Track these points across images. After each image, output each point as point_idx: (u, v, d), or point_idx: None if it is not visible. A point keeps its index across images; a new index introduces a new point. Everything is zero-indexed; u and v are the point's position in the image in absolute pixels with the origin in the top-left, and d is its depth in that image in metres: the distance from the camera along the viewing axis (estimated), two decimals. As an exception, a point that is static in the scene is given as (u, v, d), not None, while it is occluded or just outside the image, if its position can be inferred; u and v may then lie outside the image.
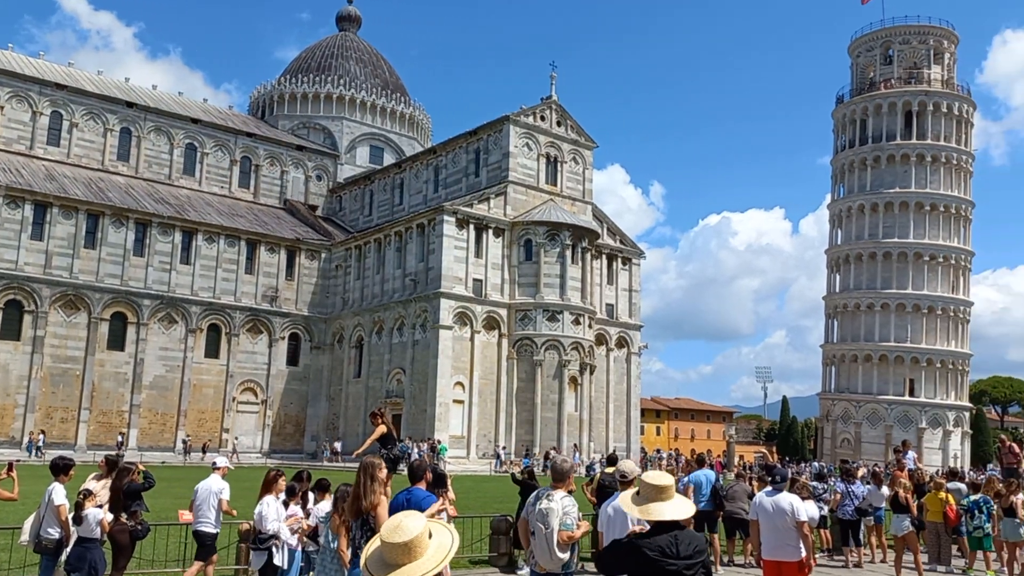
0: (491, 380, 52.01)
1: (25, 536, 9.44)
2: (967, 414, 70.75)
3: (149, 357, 54.48)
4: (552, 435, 51.05)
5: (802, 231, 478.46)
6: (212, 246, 57.66)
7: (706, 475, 14.83)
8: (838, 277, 73.02)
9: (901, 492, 14.63)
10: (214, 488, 10.58)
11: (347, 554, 6.69)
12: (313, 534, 9.86)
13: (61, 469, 9.37)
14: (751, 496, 12.77)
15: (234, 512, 10.84)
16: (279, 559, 9.59)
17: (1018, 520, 13.80)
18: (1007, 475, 20.56)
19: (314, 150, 70.80)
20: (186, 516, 11.88)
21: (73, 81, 62.27)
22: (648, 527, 4.62)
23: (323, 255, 62.08)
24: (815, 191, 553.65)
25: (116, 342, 53.84)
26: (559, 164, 57.09)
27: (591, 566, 12.63)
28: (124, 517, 9.72)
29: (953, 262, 69.23)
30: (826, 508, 16.08)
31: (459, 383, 51.04)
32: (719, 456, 62.67)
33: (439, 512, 7.19)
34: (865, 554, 15.89)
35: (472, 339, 51.65)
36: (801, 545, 8.72)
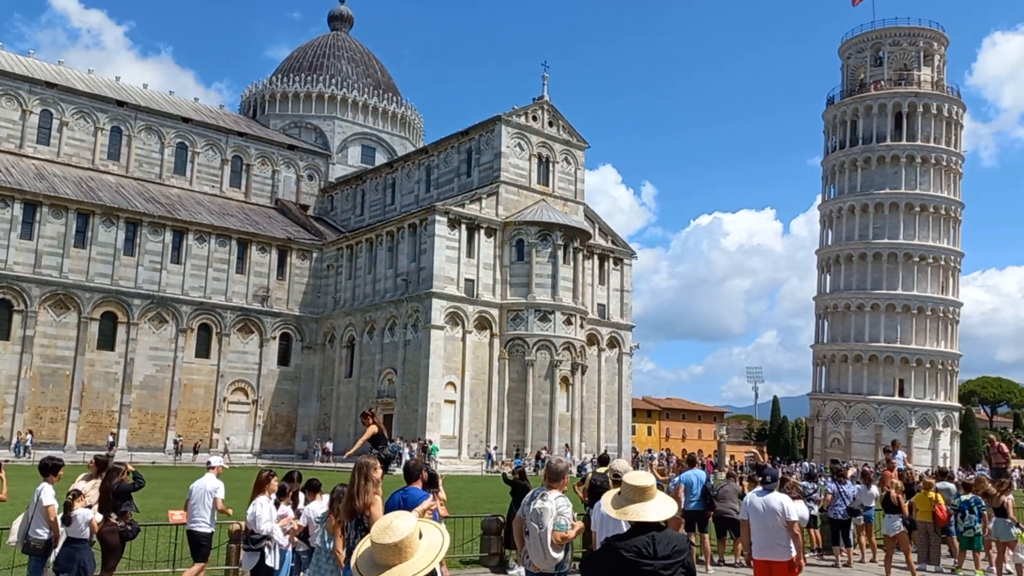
0: (483, 380, 52.01)
1: (13, 537, 9.39)
2: (956, 414, 71.13)
3: (139, 357, 54.29)
4: (544, 435, 51.07)
5: (793, 232, 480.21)
6: (203, 246, 57.50)
7: (697, 475, 14.85)
8: (828, 278, 73.32)
9: (893, 493, 14.68)
10: (208, 487, 10.57)
11: (343, 554, 6.69)
12: (303, 534, 9.85)
13: (50, 469, 9.32)
14: (742, 496, 12.80)
15: (230, 511, 10.82)
16: (271, 560, 9.57)
17: (1009, 520, 13.87)
18: (996, 475, 20.70)
19: (305, 150, 70.66)
20: (176, 516, 11.84)
21: (63, 80, 62.00)
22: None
23: (314, 255, 61.97)
24: (806, 192, 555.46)
25: (106, 342, 53.63)
26: (551, 164, 57.13)
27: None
28: (114, 517, 9.68)
29: (943, 263, 69.59)
30: (816, 508, 16.13)
31: (451, 383, 51.02)
32: (710, 456, 62.84)
33: (429, 510, 7.18)
34: (855, 554, 15.94)
35: (464, 339, 51.63)
36: (791, 545, 8.74)
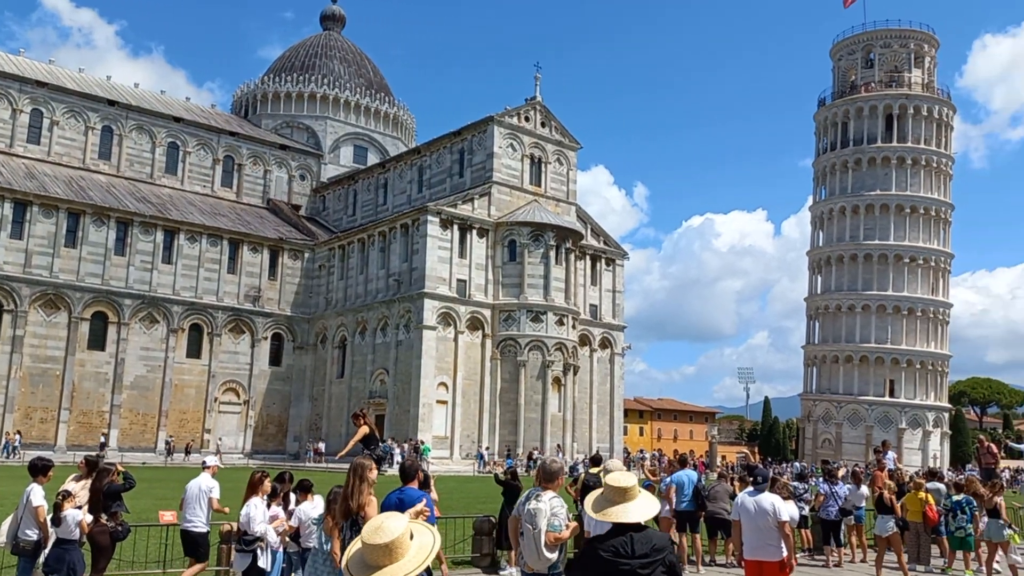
0: (475, 381, 52.00)
1: (2, 538, 9.34)
2: (946, 415, 71.42)
3: (130, 357, 54.08)
4: (535, 436, 51.08)
5: (784, 233, 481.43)
6: (194, 245, 57.32)
7: (688, 475, 14.86)
8: (819, 279, 73.54)
9: (886, 493, 14.72)
10: (204, 487, 10.57)
11: (339, 556, 6.67)
12: (295, 535, 9.83)
13: (39, 470, 9.28)
14: (733, 496, 12.82)
15: (226, 510, 10.80)
16: (263, 561, 9.54)
17: (1002, 521, 13.92)
18: (986, 475, 20.79)
19: (297, 149, 70.52)
20: (167, 517, 11.80)
21: (54, 79, 61.73)
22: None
23: (306, 255, 61.84)
24: (797, 193, 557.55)
25: (97, 342, 53.40)
26: (543, 165, 57.15)
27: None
28: (104, 518, 9.64)
29: (933, 264, 69.87)
30: (806, 508, 16.16)
31: (443, 383, 50.98)
32: (702, 456, 62.93)
33: (423, 513, 7.18)
34: (846, 554, 15.98)
35: (456, 339, 51.61)
36: (782, 545, 8.75)
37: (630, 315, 75.69)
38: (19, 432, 48.65)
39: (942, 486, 16.96)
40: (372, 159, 71.89)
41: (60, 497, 9.00)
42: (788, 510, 9.13)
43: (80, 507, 9.29)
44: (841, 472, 19.47)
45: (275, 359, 59.78)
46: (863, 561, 15.94)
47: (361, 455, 8.61)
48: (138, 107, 64.00)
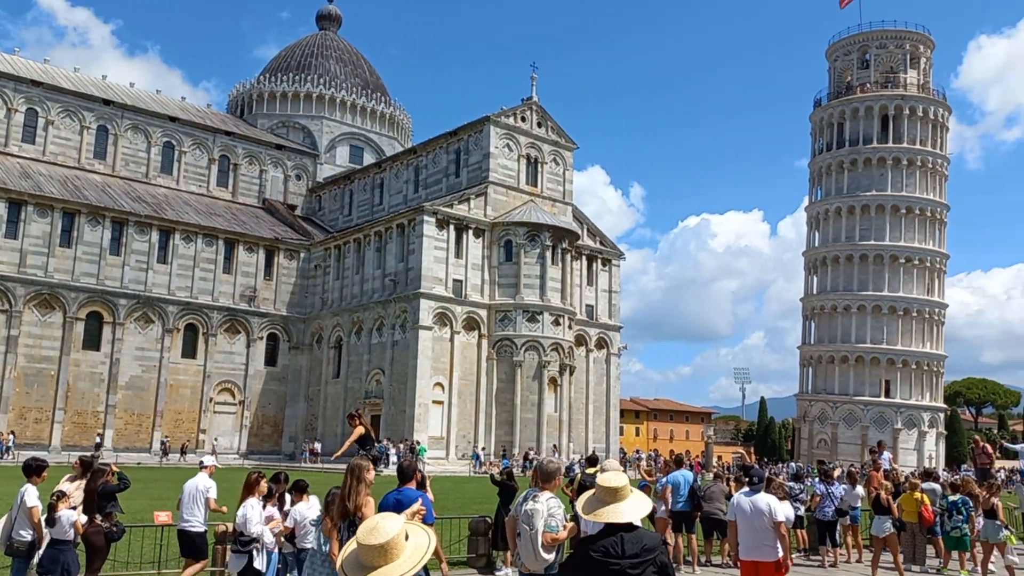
0: (471, 381, 51.97)
1: (-4, 538, 9.30)
2: (942, 415, 71.56)
3: (125, 357, 53.96)
4: (532, 436, 51.06)
5: (780, 233, 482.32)
6: (190, 245, 57.22)
7: (684, 476, 14.86)
8: (815, 279, 73.64)
9: (883, 494, 14.74)
10: (201, 486, 10.57)
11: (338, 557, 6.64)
12: (290, 536, 9.81)
13: (34, 470, 9.25)
14: (729, 497, 12.83)
15: (224, 509, 10.79)
16: (259, 562, 9.52)
17: (999, 522, 13.94)
18: (981, 475, 20.82)
19: (293, 149, 70.43)
20: (162, 517, 11.78)
21: (49, 78, 61.58)
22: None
23: (302, 255, 61.76)
24: (793, 193, 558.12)
25: (92, 342, 53.28)
26: (539, 165, 57.15)
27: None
28: (99, 519, 9.61)
29: (928, 264, 70.00)
30: (802, 508, 16.18)
31: (439, 384, 50.94)
32: (698, 457, 62.97)
33: (419, 513, 7.17)
34: (841, 554, 16.00)
35: (452, 340, 51.57)
36: (778, 545, 8.76)
37: (626, 315, 75.70)
38: (13, 432, 48.52)
39: (937, 486, 16.98)
40: (368, 159, 71.82)
41: (54, 497, 8.96)
42: (784, 510, 9.12)
43: (75, 508, 9.25)
44: (837, 472, 19.46)
45: (271, 359, 59.69)
46: (859, 561, 15.96)
47: (357, 455, 8.59)
48: (134, 106, 63.86)
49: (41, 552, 9.03)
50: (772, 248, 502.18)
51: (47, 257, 52.10)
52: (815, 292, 73.20)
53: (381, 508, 6.84)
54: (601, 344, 60.06)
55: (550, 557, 6.90)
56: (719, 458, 68.45)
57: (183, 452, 51.89)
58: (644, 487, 14.75)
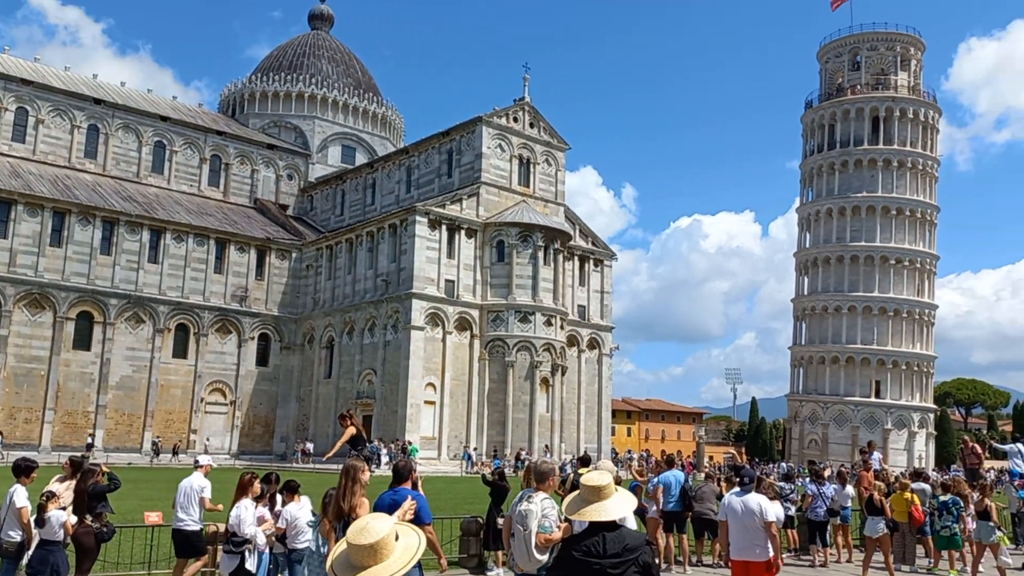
0: (463, 381, 51.95)
1: (-15, 539, 9.26)
2: (932, 415, 71.87)
3: (116, 357, 53.76)
4: (523, 436, 51.08)
5: (771, 234, 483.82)
6: (181, 245, 57.05)
7: (675, 476, 14.89)
8: (806, 280, 73.87)
9: (876, 495, 14.78)
10: (196, 485, 10.57)
11: None
12: (281, 536, 9.80)
13: (23, 471, 9.21)
14: (720, 497, 12.86)
15: (220, 507, 10.77)
16: (251, 563, 9.51)
17: (992, 523, 14.00)
18: (970, 476, 20.92)
19: (285, 149, 70.28)
20: (152, 518, 11.74)
21: (39, 77, 61.31)
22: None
23: (294, 255, 61.64)
24: (784, 194, 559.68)
25: (82, 342, 53.06)
26: (532, 165, 57.18)
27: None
28: (89, 519, 9.58)
29: (919, 266, 70.29)
30: (792, 508, 16.22)
31: (430, 384, 50.92)
32: (689, 457, 63.10)
33: (411, 510, 7.17)
34: (831, 554, 16.05)
35: (444, 340, 51.55)
36: (769, 545, 8.78)
37: (618, 316, 75.85)
38: (2, 433, 48.25)
39: (927, 486, 17.06)
40: (360, 159, 71.72)
41: (44, 498, 8.93)
42: (774, 510, 9.15)
43: (64, 508, 9.22)
44: (827, 472, 19.55)
45: (262, 359, 59.55)
46: (849, 561, 16.01)
47: (349, 456, 8.59)
48: (124, 106, 63.63)
49: (30, 553, 9.00)
50: (763, 249, 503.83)
51: (37, 257, 51.87)
52: (806, 293, 73.42)
53: (376, 508, 6.84)
54: (593, 344, 60.13)
55: (543, 558, 6.91)
56: (710, 458, 68.65)
57: (175, 452, 51.73)
58: (635, 487, 14.78)
